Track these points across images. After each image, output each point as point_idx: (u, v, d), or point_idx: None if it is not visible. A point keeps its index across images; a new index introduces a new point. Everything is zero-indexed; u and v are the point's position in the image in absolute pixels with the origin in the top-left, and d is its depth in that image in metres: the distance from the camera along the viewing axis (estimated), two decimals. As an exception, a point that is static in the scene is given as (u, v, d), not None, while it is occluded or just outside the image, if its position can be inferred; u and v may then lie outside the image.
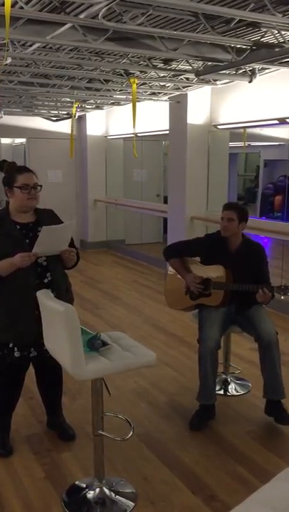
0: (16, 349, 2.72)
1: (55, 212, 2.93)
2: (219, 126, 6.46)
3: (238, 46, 4.24)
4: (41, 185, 2.71)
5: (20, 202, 2.66)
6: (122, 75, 5.35)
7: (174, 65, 5.02)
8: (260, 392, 3.58)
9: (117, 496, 2.56)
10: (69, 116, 8.68)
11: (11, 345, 2.72)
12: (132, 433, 2.61)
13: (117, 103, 7.95)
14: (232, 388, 3.76)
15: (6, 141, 11.76)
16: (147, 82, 5.82)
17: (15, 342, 2.72)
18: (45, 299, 2.46)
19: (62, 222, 2.84)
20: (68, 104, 7.76)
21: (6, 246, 2.60)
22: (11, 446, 2.96)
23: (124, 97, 7.00)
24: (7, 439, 2.99)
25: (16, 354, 2.73)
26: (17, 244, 2.63)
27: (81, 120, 9.57)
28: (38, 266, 2.68)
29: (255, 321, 3.26)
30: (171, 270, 3.60)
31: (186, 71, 5.17)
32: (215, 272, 3.33)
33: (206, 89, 6.41)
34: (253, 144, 10.01)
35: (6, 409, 3.00)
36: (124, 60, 4.71)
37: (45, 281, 2.72)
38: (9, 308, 2.65)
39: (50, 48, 4.35)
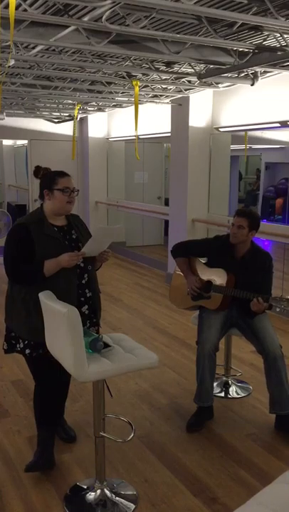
0: None
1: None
2: (221, 129, 6.47)
3: (241, 49, 4.25)
4: (78, 190, 2.76)
5: (60, 204, 2.69)
6: (124, 78, 5.37)
7: (176, 68, 5.03)
8: (261, 394, 3.59)
9: (117, 498, 2.56)
10: (71, 118, 8.71)
11: None
12: (132, 435, 2.61)
13: (119, 105, 7.97)
14: (233, 391, 3.76)
15: (8, 142, 11.81)
16: (149, 84, 5.83)
17: None
18: (47, 300, 2.47)
19: (86, 227, 2.91)
20: (70, 106, 7.78)
21: (49, 248, 2.63)
22: (54, 461, 2.82)
23: (127, 99, 7.01)
24: (51, 450, 2.84)
25: None
26: (58, 245, 2.66)
27: (83, 122, 9.59)
28: (77, 267, 2.71)
29: (259, 333, 3.22)
30: (178, 268, 3.61)
31: (188, 74, 5.18)
32: (217, 275, 3.33)
33: (208, 92, 6.43)
34: (254, 146, 10.03)
35: (52, 417, 2.94)
36: (126, 63, 4.73)
37: (83, 281, 2.76)
38: None
39: (53, 50, 4.37)
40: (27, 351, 2.72)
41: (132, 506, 2.52)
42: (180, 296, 3.58)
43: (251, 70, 4.94)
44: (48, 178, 2.74)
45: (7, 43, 3.66)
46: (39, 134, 9.37)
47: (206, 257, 3.51)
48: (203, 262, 3.51)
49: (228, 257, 3.34)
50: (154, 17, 3.42)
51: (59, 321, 2.33)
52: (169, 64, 4.95)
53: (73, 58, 4.57)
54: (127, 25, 3.45)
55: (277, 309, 3.07)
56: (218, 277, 3.32)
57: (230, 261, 3.33)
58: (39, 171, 2.86)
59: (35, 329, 2.64)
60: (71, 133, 8.35)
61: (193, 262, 3.53)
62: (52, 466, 2.79)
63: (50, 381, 2.85)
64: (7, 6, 2.65)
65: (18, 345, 2.76)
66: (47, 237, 2.66)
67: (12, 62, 4.28)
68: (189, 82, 5.67)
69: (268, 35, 3.98)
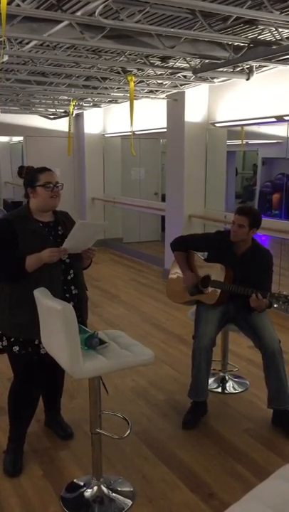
0: (41, 345, 2.68)
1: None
2: (217, 124, 6.46)
3: (236, 44, 4.23)
4: (62, 184, 2.73)
5: (44, 200, 2.67)
6: (119, 73, 5.35)
7: (171, 63, 5.01)
8: (258, 390, 3.59)
9: (115, 494, 2.56)
10: (66, 114, 8.67)
11: (36, 341, 2.68)
12: (129, 431, 2.61)
13: (115, 101, 7.94)
14: (230, 386, 3.76)
15: (3, 139, 11.78)
16: (145, 79, 5.81)
17: (40, 338, 2.66)
18: (42, 297, 2.46)
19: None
20: (66, 102, 7.75)
21: (32, 243, 2.61)
22: (21, 466, 2.79)
23: (122, 94, 6.99)
24: (20, 455, 2.82)
25: (42, 351, 2.69)
26: (43, 241, 2.64)
27: (79, 118, 9.55)
28: (62, 263, 2.70)
29: (257, 328, 3.21)
30: (176, 261, 3.60)
31: (183, 69, 5.16)
32: (216, 270, 3.32)
33: (204, 87, 6.40)
34: (250, 141, 10.00)
35: (24, 416, 2.89)
36: (121, 58, 4.71)
37: (69, 277, 2.75)
38: (35, 305, 2.58)
39: (47, 45, 4.33)
40: (15, 348, 2.69)
41: (129, 503, 2.52)
42: (177, 291, 3.57)
43: (246, 64, 4.93)
44: (30, 176, 2.71)
45: (0, 39, 3.63)
46: (35, 131, 9.34)
47: (206, 252, 3.50)
48: (202, 257, 3.50)
49: (228, 254, 3.33)
50: (148, 11, 3.40)
51: (54, 318, 2.32)
52: (164, 59, 4.93)
53: (68, 54, 4.55)
54: (121, 19, 3.42)
55: (275, 305, 3.06)
56: (216, 272, 3.31)
57: (230, 258, 3.31)
58: (22, 171, 2.84)
59: (18, 326, 2.65)
60: (67, 129, 8.32)
61: (192, 257, 3.52)
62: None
63: (32, 381, 2.84)
64: (-1, 1, 2.63)
65: (1, 343, 2.73)
66: (31, 233, 2.64)
67: (6, 58, 4.25)
68: (185, 77, 5.65)
69: (262, 29, 3.96)
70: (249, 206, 3.80)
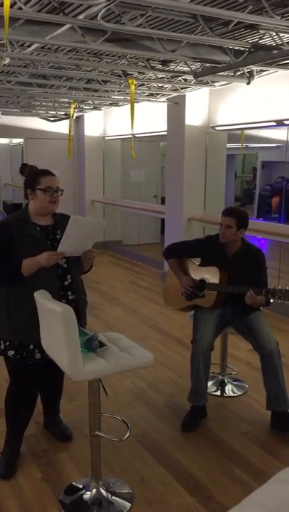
0: (36, 350, 2.67)
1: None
2: (217, 128, 6.47)
3: (237, 48, 4.25)
4: (63, 190, 2.71)
5: (42, 204, 2.65)
6: (120, 76, 5.36)
7: (172, 67, 5.03)
8: (257, 393, 3.60)
9: (113, 497, 2.56)
10: (67, 116, 8.68)
11: (31, 346, 2.67)
12: (128, 434, 2.61)
13: (115, 104, 7.95)
14: (229, 389, 3.77)
15: (3, 141, 11.79)
16: (145, 83, 5.83)
17: (35, 343, 2.65)
18: (42, 299, 2.46)
19: None
20: (66, 105, 7.76)
21: (28, 247, 2.59)
22: (15, 469, 2.79)
23: (123, 97, 7.00)
24: (14, 458, 2.83)
25: (37, 356, 2.68)
26: (39, 245, 2.61)
27: (79, 121, 9.57)
28: (58, 268, 2.67)
29: (255, 330, 3.23)
30: (171, 269, 3.62)
31: (184, 72, 5.17)
32: (210, 273, 3.34)
33: (204, 90, 6.43)
34: (250, 145, 10.03)
35: (21, 418, 2.88)
36: (122, 61, 4.72)
37: (66, 283, 2.72)
38: (31, 309, 2.58)
39: (49, 48, 4.35)
40: (10, 353, 2.68)
41: (128, 505, 2.52)
42: (174, 298, 3.58)
43: (247, 68, 4.94)
44: (31, 178, 2.68)
45: (2, 42, 3.64)
46: (35, 133, 9.35)
47: (199, 258, 3.52)
48: (196, 262, 3.52)
49: (220, 256, 3.36)
50: (149, 15, 3.41)
51: (54, 321, 2.33)
52: (165, 62, 4.94)
53: (69, 57, 4.56)
54: (123, 23, 3.44)
55: (272, 300, 3.07)
56: (211, 275, 3.33)
57: (223, 260, 3.34)
58: (25, 169, 2.82)
59: (14, 329, 2.64)
60: (67, 131, 8.33)
61: (186, 263, 3.54)
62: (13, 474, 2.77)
63: (29, 385, 2.83)
64: (2, 4, 2.65)
65: (0, 346, 2.72)
66: (28, 237, 2.62)
67: (7, 61, 4.27)
68: (185, 80, 5.66)
69: (263, 34, 3.98)
70: (235, 207, 3.82)
